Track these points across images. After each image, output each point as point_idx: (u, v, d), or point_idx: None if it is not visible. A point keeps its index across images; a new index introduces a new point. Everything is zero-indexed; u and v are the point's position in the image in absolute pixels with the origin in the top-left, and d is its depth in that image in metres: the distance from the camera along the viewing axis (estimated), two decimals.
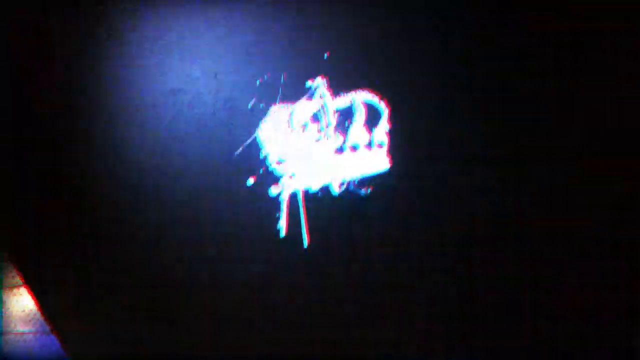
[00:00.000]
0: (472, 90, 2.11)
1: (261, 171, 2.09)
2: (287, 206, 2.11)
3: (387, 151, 2.12)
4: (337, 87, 2.07)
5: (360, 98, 2.08)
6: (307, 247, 2.11)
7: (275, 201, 2.11)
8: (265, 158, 2.08)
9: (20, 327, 2.40)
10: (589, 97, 2.08)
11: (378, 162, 2.12)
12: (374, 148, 2.11)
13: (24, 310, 2.37)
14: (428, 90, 2.11)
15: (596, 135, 2.11)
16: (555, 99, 2.11)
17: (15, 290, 2.34)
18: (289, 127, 2.08)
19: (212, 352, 2.14)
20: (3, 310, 2.39)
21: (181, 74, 2.00)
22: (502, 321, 2.19)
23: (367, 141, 2.11)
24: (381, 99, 2.08)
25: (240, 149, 2.06)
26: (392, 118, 2.10)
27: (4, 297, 2.39)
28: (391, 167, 2.11)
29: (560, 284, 2.19)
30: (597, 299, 2.16)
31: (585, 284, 2.16)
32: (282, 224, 2.11)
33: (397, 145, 2.11)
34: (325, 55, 2.01)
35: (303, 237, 2.12)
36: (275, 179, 2.10)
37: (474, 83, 2.11)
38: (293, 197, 2.11)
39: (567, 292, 2.19)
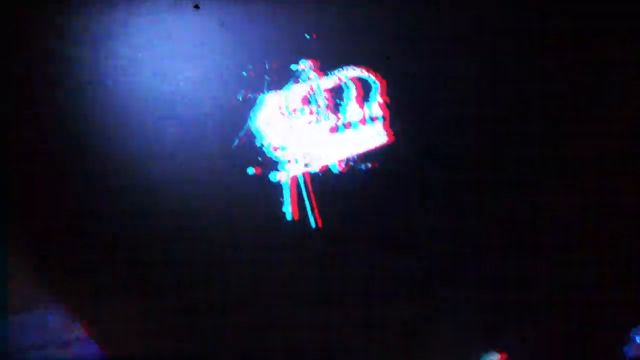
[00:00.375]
0: (467, 58, 2.07)
1: (260, 160, 2.09)
2: (292, 191, 2.12)
3: (385, 124, 2.09)
4: (326, 66, 2.03)
5: (350, 74, 2.04)
6: (316, 228, 2.13)
7: (279, 187, 2.12)
8: (263, 147, 2.08)
9: (62, 338, 2.51)
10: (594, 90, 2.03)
11: (377, 136, 2.10)
12: (372, 122, 2.09)
13: (63, 321, 2.47)
14: (420, 58, 2.07)
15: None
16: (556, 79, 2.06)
17: (51, 305, 2.42)
18: (282, 112, 2.07)
19: (224, 339, 2.21)
20: (42, 324, 2.49)
21: (168, 74, 1.99)
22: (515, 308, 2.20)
23: (363, 116, 2.09)
24: (372, 72, 2.04)
25: (237, 141, 2.06)
26: (387, 90, 2.06)
27: (42, 312, 2.48)
28: (392, 139, 2.09)
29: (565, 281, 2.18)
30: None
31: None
32: (289, 209, 2.13)
33: (395, 117, 2.09)
34: (307, 35, 1.97)
35: (311, 219, 2.13)
36: (276, 166, 2.10)
37: (468, 52, 2.07)
38: (296, 182, 2.11)
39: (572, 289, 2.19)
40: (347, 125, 2.08)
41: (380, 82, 2.06)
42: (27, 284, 2.48)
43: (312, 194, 2.12)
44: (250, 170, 2.08)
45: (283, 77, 2.02)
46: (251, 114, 2.04)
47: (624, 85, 2.11)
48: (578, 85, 2.13)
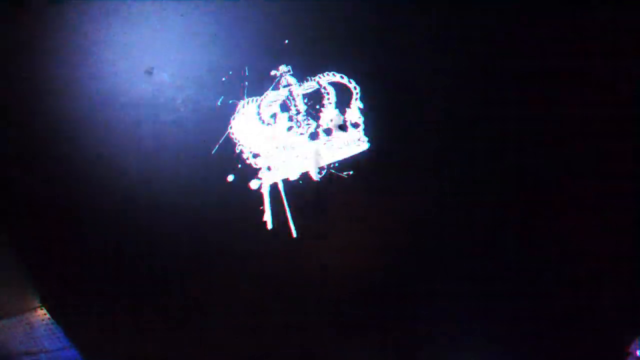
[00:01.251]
0: (444, 63, 2.04)
1: (239, 167, 2.07)
2: (270, 199, 2.09)
3: (363, 130, 2.06)
4: (302, 73, 2.02)
5: (326, 80, 2.02)
6: (295, 237, 2.09)
7: (257, 196, 2.09)
8: (240, 154, 2.07)
9: (44, 346, 2.49)
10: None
11: (355, 143, 2.07)
12: (350, 129, 2.06)
13: (45, 329, 2.46)
14: (398, 64, 2.04)
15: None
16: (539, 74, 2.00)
17: (36, 311, 2.42)
18: (259, 119, 2.06)
19: (204, 348, 2.17)
20: (26, 330, 2.48)
21: (145, 80, 2.01)
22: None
23: (340, 123, 2.06)
24: (349, 78, 2.02)
25: (215, 148, 2.05)
26: (364, 96, 2.03)
27: (27, 317, 2.47)
28: (370, 147, 2.05)
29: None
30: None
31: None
32: (267, 218, 2.09)
33: (373, 124, 2.05)
34: (286, 41, 1.97)
35: (289, 228, 2.09)
36: (254, 174, 2.08)
37: (445, 57, 2.03)
38: (274, 189, 2.08)
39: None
40: (325, 132, 2.06)
41: (359, 88, 2.03)
42: (14, 290, 2.49)
43: (290, 202, 2.08)
44: (230, 177, 2.07)
45: (262, 83, 2.02)
46: (230, 120, 2.03)
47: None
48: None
